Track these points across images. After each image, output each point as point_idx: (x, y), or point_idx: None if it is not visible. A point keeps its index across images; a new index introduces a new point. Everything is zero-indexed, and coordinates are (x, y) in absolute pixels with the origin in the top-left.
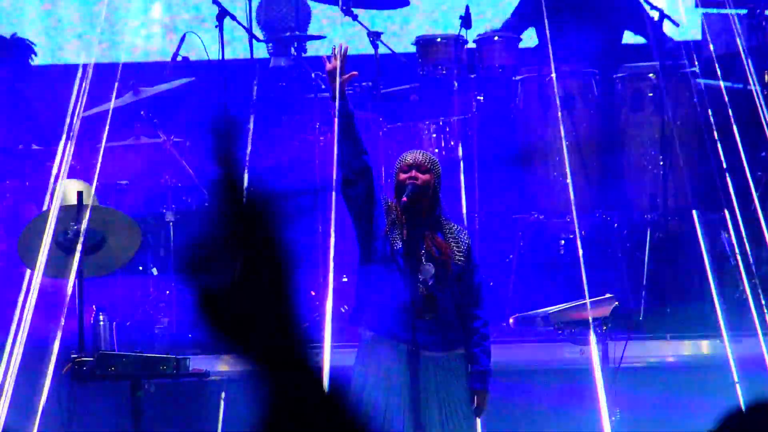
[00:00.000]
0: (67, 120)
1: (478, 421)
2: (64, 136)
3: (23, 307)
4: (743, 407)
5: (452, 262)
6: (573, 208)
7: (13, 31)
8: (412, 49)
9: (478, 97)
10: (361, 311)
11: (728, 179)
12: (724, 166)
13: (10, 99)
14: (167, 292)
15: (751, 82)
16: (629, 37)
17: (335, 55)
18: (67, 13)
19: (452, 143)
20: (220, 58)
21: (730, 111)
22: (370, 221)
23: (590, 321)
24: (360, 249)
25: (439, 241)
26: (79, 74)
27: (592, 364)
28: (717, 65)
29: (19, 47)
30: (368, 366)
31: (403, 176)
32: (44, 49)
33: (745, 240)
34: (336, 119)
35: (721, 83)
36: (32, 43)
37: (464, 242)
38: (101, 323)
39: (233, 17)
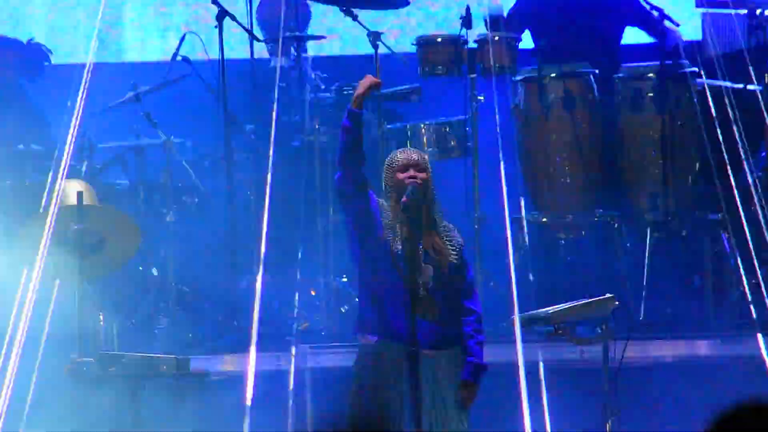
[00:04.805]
0: (74, 122)
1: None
2: (69, 137)
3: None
4: (736, 407)
5: (448, 261)
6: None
7: (18, 33)
8: (412, 49)
9: (478, 97)
10: (364, 317)
11: (728, 179)
12: (724, 166)
13: (20, 101)
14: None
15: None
16: (630, 37)
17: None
18: (68, 13)
19: (452, 143)
20: (220, 58)
21: (729, 111)
22: (369, 230)
23: (590, 321)
24: (359, 255)
25: (436, 240)
26: (87, 73)
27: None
28: (717, 65)
29: (35, 52)
30: (372, 371)
31: (401, 176)
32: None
33: (747, 240)
34: (346, 129)
35: (721, 83)
36: (48, 50)
37: (458, 241)
38: (101, 323)
39: (233, 17)
